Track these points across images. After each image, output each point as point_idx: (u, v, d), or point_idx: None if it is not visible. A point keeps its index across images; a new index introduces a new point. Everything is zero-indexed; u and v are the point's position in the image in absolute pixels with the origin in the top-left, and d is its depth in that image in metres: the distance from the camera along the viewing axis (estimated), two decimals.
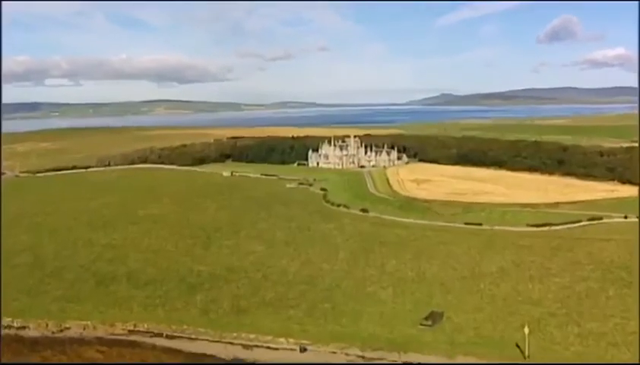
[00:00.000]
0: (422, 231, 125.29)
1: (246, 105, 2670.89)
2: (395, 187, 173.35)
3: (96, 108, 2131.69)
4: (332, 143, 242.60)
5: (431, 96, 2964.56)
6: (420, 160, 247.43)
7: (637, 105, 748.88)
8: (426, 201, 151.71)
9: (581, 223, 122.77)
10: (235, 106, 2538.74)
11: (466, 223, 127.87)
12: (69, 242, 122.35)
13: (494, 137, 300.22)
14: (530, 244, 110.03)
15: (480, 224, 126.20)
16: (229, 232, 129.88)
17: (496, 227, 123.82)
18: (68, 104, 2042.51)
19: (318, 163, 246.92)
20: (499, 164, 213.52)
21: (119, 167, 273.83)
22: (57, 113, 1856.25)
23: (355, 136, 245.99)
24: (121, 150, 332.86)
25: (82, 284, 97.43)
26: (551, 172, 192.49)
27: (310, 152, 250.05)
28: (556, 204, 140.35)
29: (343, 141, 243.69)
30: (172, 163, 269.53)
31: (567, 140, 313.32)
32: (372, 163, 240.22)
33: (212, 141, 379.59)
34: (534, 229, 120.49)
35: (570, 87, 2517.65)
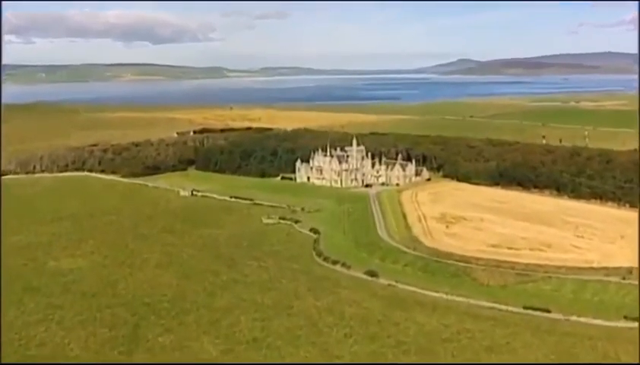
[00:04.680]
0: (458, 320, 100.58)
1: (231, 70, 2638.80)
2: (415, 229, 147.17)
3: (50, 71, 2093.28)
4: (328, 152, 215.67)
5: (447, 61, 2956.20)
6: (446, 176, 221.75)
7: None
8: (460, 258, 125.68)
9: None
10: (217, 72, 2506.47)
11: (525, 308, 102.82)
12: None
13: (544, 142, 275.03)
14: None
15: (548, 311, 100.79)
16: (170, 314, 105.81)
17: (574, 318, 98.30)
18: (16, 66, 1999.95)
19: (309, 178, 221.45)
20: (556, 187, 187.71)
21: (46, 175, 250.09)
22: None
23: (359, 144, 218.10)
24: (58, 144, 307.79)
25: None
26: (632, 203, 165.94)
27: (299, 163, 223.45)
28: None
29: (343, 150, 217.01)
30: (114, 172, 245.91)
31: (632, 136, 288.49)
32: (381, 180, 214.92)
33: (175, 134, 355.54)
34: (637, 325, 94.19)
35: (613, 52, 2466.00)
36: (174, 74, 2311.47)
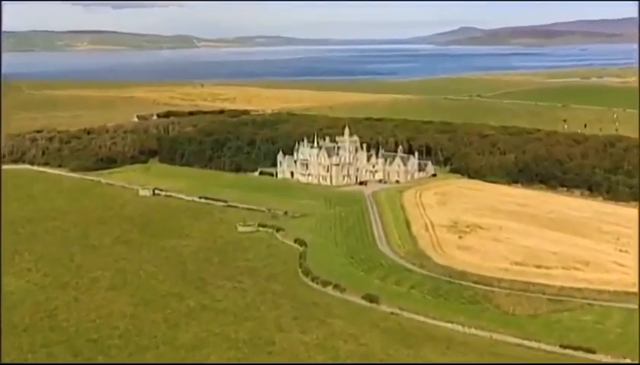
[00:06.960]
0: (479, 361, 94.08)
1: (201, 40, 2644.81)
2: (422, 241, 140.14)
3: None
4: (316, 142, 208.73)
5: (447, 30, 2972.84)
6: (454, 171, 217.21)
7: None
8: (478, 278, 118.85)
9: None
10: (186, 41, 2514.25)
11: (563, 347, 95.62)
12: None
13: (565, 128, 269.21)
14: None
15: (593, 351, 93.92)
16: (123, 353, 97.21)
17: (626, 362, 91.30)
18: None
19: (292, 174, 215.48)
20: (587, 186, 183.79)
21: None
22: None
23: (351, 133, 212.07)
24: None
25: None
26: None
27: (280, 155, 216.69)
28: None
29: (333, 140, 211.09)
30: (61, 166, 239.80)
31: None
32: (378, 176, 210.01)
33: (135, 118, 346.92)
34: None
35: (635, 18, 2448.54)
36: (137, 43, 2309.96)
